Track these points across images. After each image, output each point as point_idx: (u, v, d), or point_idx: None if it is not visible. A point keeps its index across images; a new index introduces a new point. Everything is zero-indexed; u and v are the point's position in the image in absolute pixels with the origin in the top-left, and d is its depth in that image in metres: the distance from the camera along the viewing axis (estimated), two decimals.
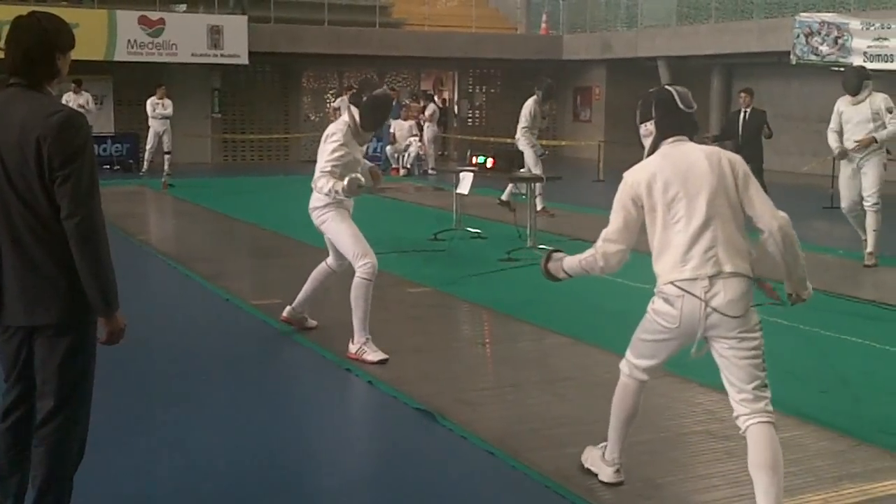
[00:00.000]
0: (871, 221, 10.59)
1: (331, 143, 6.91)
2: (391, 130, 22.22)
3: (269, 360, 7.21)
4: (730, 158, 4.33)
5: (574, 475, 4.76)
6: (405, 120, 22.04)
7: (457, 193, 12.37)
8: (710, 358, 6.52)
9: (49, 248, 3.56)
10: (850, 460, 5.05)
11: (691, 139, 4.46)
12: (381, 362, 6.72)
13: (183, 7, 23.70)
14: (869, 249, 10.69)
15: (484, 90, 29.26)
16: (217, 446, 5.26)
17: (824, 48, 19.71)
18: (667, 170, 4.33)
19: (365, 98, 7.03)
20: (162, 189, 18.43)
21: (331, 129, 7.08)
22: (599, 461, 4.78)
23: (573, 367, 6.78)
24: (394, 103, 22.42)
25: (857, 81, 10.48)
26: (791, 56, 20.17)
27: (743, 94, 14.37)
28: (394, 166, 22.24)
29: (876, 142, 10.35)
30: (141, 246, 11.75)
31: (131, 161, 22.73)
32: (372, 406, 6.04)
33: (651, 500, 4.52)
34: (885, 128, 10.34)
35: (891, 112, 10.37)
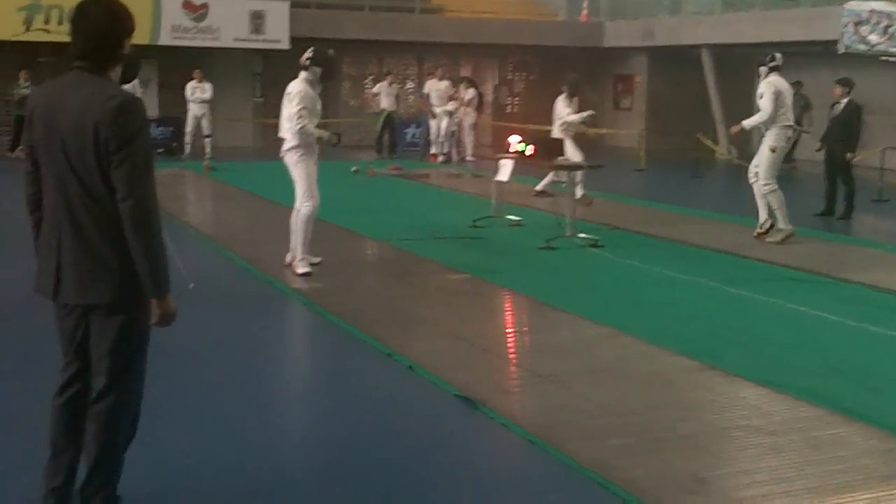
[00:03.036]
0: None
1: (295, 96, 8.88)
2: (425, 91, 22.14)
3: (306, 342, 7.25)
4: None
5: (616, 466, 4.72)
6: (440, 79, 21.96)
7: (496, 181, 12.32)
8: (755, 352, 6.50)
9: (105, 230, 3.63)
10: None
11: None
12: (305, 275, 8.87)
13: None
14: None
15: (523, 77, 29.10)
16: (256, 427, 5.27)
17: (873, 37, 19.39)
18: None
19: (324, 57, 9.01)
20: (204, 172, 18.53)
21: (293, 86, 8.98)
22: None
23: (612, 357, 6.73)
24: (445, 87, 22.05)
25: None
26: (838, 45, 19.86)
27: (837, 86, 14.06)
28: (432, 152, 22.19)
29: None
30: (183, 227, 11.81)
31: (174, 144, 22.82)
32: (412, 391, 6.02)
33: (695, 495, 4.47)
34: None
35: None
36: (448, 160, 21.72)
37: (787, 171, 21.17)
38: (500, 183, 12.31)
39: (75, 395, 3.87)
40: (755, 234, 11.62)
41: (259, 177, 16.77)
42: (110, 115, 3.53)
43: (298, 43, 22.68)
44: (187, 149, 21.40)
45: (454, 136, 22.06)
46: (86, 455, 3.84)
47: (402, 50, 26.68)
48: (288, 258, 9.26)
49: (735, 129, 12.14)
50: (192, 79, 20.76)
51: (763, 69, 11.62)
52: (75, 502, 3.87)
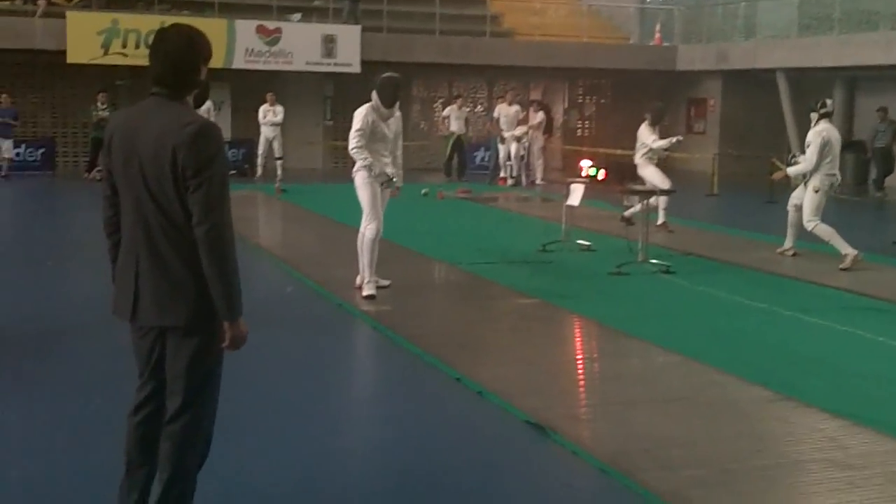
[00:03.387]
0: None
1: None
2: (495, 115, 22.14)
3: (374, 365, 7.25)
4: None
5: (690, 498, 4.61)
6: (510, 104, 21.91)
7: (566, 205, 12.24)
8: (833, 383, 6.34)
9: (181, 253, 3.69)
10: None
11: None
12: (371, 297, 8.94)
13: (298, 16, 24.05)
14: None
15: (594, 100, 28.98)
16: (324, 449, 5.27)
17: None
18: None
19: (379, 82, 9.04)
20: (275, 194, 18.72)
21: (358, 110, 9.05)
22: None
23: (684, 386, 6.61)
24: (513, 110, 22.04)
25: None
26: None
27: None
28: (501, 176, 22.17)
29: None
30: (255, 249, 11.93)
31: (246, 166, 23.11)
32: (481, 417, 5.97)
33: None
34: None
35: None
36: (517, 184, 21.68)
37: (879, 199, 20.87)
38: (571, 207, 12.23)
39: (150, 414, 3.93)
40: (778, 251, 12.08)
41: (329, 199, 16.91)
42: (188, 141, 3.58)
43: (369, 66, 22.87)
44: (259, 171, 21.68)
45: (523, 160, 22.02)
46: (159, 474, 3.88)
47: (473, 73, 26.76)
48: (357, 280, 9.29)
49: (778, 175, 12.70)
50: (264, 102, 21.04)
51: (814, 115, 11.54)
52: None
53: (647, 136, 14.03)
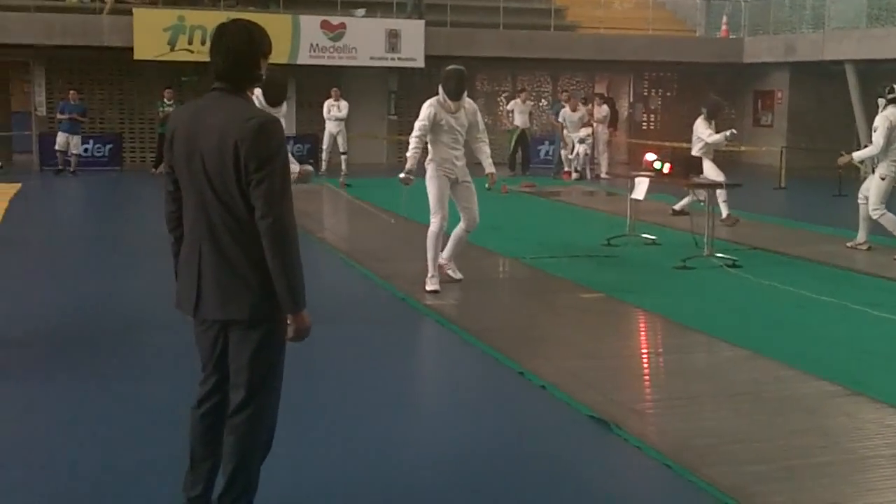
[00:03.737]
0: None
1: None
2: (559, 120, 22.06)
3: (439, 360, 7.29)
4: None
5: (754, 493, 4.59)
6: (573, 110, 21.80)
7: (631, 199, 12.18)
8: None
9: (244, 247, 3.73)
10: None
11: None
12: (434, 292, 9.00)
13: (362, 12, 24.17)
14: None
15: (659, 94, 28.74)
16: (388, 443, 5.33)
17: None
18: None
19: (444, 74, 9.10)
20: (339, 188, 18.86)
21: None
22: None
23: (749, 381, 6.55)
24: (565, 106, 22.13)
25: None
26: None
27: None
28: (565, 170, 22.10)
29: None
30: (319, 243, 12.05)
31: (311, 161, 23.29)
32: (544, 411, 5.99)
33: None
34: None
35: None
36: (582, 178, 21.60)
37: None
38: (636, 201, 12.16)
39: (213, 407, 3.98)
40: (849, 245, 12.02)
41: (392, 193, 16.91)
42: (250, 135, 3.63)
43: (433, 61, 22.99)
44: (324, 165, 21.85)
45: (587, 155, 21.92)
46: (224, 466, 3.94)
47: (537, 67, 26.67)
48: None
49: (843, 160, 12.61)
50: (329, 97, 21.21)
51: (882, 101, 11.66)
52: None
53: (702, 131, 14.04)
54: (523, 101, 22.93)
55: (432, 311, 8.43)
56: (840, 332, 7.93)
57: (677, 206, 14.70)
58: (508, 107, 23.41)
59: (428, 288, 9.06)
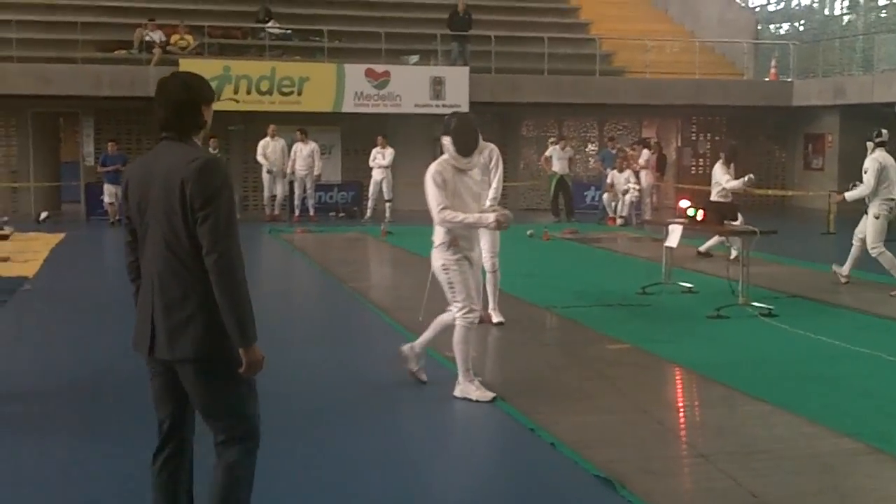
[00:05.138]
0: None
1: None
2: (608, 181, 21.92)
3: (449, 412, 7.11)
4: None
5: None
6: (620, 171, 21.62)
7: (665, 246, 11.98)
8: None
9: (189, 287, 3.81)
10: None
11: None
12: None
13: (416, 58, 24.33)
14: None
15: (707, 137, 28.45)
16: (386, 497, 5.21)
17: None
18: None
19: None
20: (380, 236, 18.85)
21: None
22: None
23: (770, 437, 6.31)
24: (612, 152, 22.15)
25: None
26: None
27: None
28: (610, 216, 21.91)
29: None
30: (349, 293, 11.99)
31: (355, 208, 23.45)
32: (550, 469, 5.81)
33: None
34: None
35: None
36: (627, 223, 21.38)
37: None
38: (670, 248, 11.96)
39: (169, 457, 4.00)
40: (892, 293, 11.97)
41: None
42: (194, 175, 3.76)
43: (478, 107, 23.02)
44: (369, 213, 21.94)
45: (633, 203, 21.70)
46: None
47: (583, 112, 26.59)
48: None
49: (839, 198, 13.57)
50: (375, 144, 21.29)
51: (870, 144, 12.38)
52: None
53: (720, 176, 14.33)
54: (562, 148, 22.76)
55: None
56: (870, 385, 7.64)
57: (702, 248, 14.94)
58: (546, 153, 23.16)
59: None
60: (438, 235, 7.22)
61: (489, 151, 9.43)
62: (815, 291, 12.11)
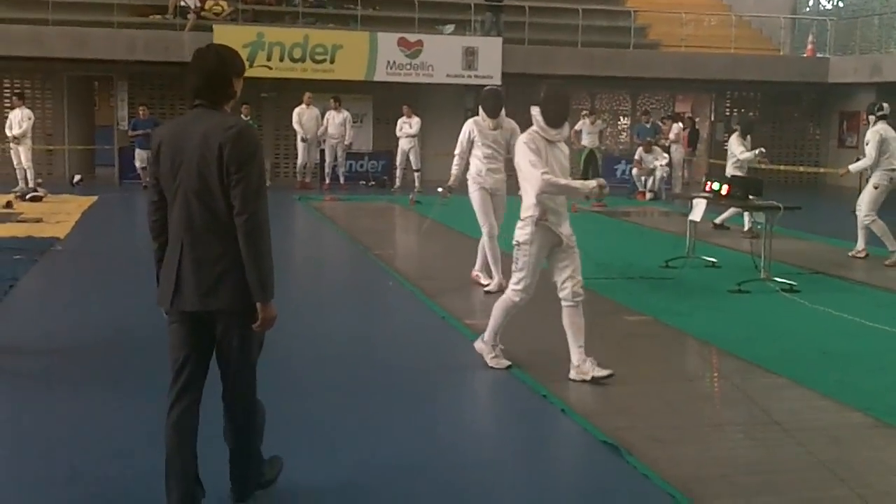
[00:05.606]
0: None
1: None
2: (636, 157, 21.84)
3: (466, 379, 7.20)
4: None
5: None
6: (647, 151, 21.53)
7: (689, 220, 11.97)
8: None
9: (223, 243, 4.03)
10: None
11: None
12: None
13: (451, 28, 24.26)
14: None
15: (742, 113, 28.22)
16: (398, 460, 5.30)
17: None
18: None
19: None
20: (409, 205, 18.89)
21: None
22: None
23: (781, 410, 6.34)
24: (646, 126, 22.00)
25: None
26: None
27: None
28: (640, 190, 21.85)
29: None
30: (374, 261, 12.09)
31: (385, 178, 23.51)
32: (559, 434, 5.91)
33: None
34: None
35: None
36: (657, 198, 21.32)
37: None
38: (694, 222, 11.94)
39: (184, 411, 4.18)
40: (850, 254, 12.91)
41: (460, 211, 16.94)
42: (232, 139, 4.00)
43: (510, 78, 22.98)
44: (397, 182, 22.01)
45: (664, 177, 21.62)
46: (233, 459, 4.40)
47: (616, 85, 26.44)
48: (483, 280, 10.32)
49: (843, 171, 14.14)
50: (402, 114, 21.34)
51: (871, 118, 12.90)
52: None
53: (736, 148, 14.70)
54: (592, 123, 22.65)
55: (468, 330, 8.35)
56: (886, 362, 7.65)
57: (718, 220, 15.14)
58: (576, 127, 23.08)
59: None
60: (528, 208, 6.93)
61: (509, 125, 9.86)
62: (839, 268, 12.08)
